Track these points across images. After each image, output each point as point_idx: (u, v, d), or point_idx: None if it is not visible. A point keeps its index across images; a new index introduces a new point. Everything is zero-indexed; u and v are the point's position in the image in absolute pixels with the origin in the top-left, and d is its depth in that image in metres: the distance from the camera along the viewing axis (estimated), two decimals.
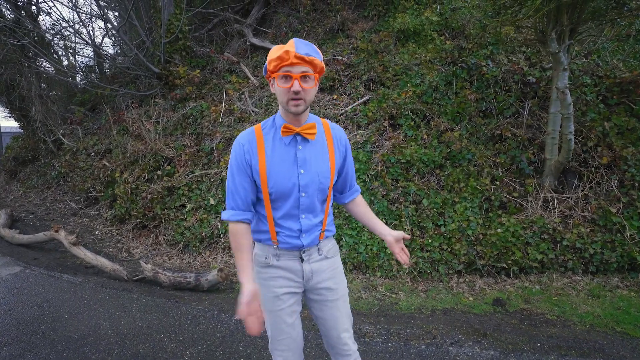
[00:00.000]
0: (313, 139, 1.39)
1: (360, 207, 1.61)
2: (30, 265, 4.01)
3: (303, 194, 1.39)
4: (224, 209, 1.45)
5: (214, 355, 2.32)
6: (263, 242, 1.45)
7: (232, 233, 1.39)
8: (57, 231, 4.48)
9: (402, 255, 1.55)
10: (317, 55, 1.29)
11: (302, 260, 1.45)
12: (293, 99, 1.29)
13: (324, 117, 5.48)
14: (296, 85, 1.26)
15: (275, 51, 1.28)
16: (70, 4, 7.04)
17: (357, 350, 1.55)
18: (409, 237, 1.57)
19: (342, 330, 1.50)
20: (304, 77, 1.28)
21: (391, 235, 1.53)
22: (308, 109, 1.39)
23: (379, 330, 2.63)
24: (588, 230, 3.67)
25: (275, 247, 1.43)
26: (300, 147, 1.38)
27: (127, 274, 3.85)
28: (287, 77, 1.27)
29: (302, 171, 1.37)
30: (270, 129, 1.41)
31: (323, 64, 1.32)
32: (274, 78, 1.31)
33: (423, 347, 2.39)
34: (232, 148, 1.40)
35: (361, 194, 1.64)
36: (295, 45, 1.26)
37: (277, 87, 1.30)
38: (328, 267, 1.50)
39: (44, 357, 2.32)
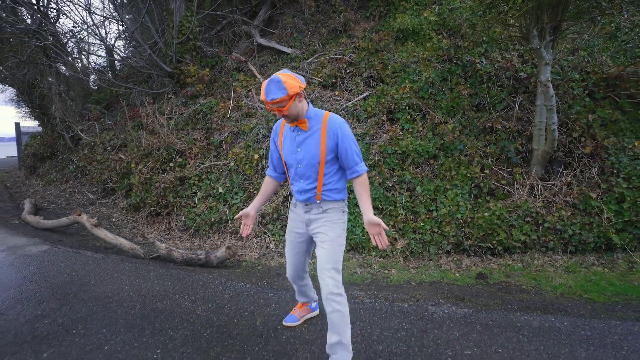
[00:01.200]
0: (305, 130, 1.98)
1: (357, 187, 1.99)
2: (56, 245, 4.42)
3: (299, 166, 2.02)
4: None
5: (222, 311, 2.66)
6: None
7: (265, 179, 2.26)
8: (79, 215, 4.88)
9: (377, 241, 1.89)
10: (281, 94, 1.80)
11: (305, 211, 2.08)
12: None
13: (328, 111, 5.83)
14: (277, 114, 1.91)
15: (261, 94, 1.88)
16: (85, 7, 7.44)
17: (335, 294, 1.89)
18: (386, 227, 1.87)
19: (322, 266, 1.95)
20: (278, 109, 1.86)
21: (367, 218, 1.90)
22: (304, 111, 1.97)
23: (368, 295, 2.95)
24: (569, 213, 3.94)
25: (294, 199, 2.18)
26: (299, 134, 2.01)
27: (144, 253, 4.22)
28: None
29: (298, 150, 2.00)
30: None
31: (293, 91, 1.82)
32: None
33: (405, 306, 2.70)
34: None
35: (360, 176, 1.99)
36: (265, 92, 1.83)
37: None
38: (323, 218, 2.03)
39: (77, 310, 2.69)
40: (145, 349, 2.18)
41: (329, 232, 1.99)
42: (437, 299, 2.85)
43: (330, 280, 1.90)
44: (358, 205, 4.50)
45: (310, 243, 2.17)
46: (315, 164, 1.97)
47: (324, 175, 1.99)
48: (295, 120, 1.95)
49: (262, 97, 1.84)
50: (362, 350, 2.14)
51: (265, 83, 1.82)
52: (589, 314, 2.53)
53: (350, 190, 4.14)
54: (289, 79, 1.82)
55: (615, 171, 4.05)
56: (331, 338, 1.92)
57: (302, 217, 2.10)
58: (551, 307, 2.66)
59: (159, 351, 2.16)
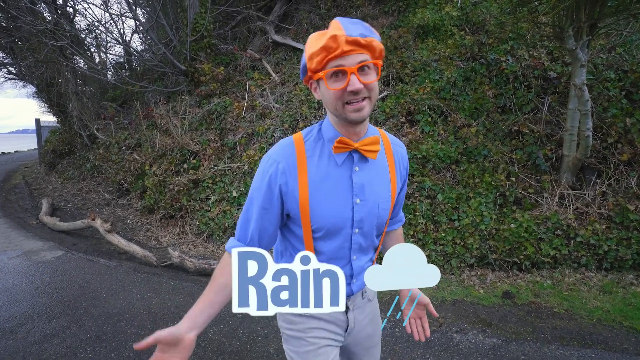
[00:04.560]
0: (375, 158, 1.02)
1: (395, 240, 1.31)
2: (70, 250, 4.40)
3: (357, 231, 1.06)
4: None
5: (234, 334, 2.55)
6: None
7: (224, 262, 1.03)
8: (93, 219, 4.86)
9: (415, 329, 1.24)
10: (375, 35, 0.92)
11: (348, 309, 1.16)
12: (352, 103, 0.92)
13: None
14: (354, 83, 0.88)
15: (317, 40, 0.90)
16: (102, 5, 7.41)
17: None
18: (435, 313, 1.22)
19: None
20: (362, 68, 0.89)
21: (413, 291, 1.21)
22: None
23: (388, 317, 2.79)
24: (604, 227, 3.67)
25: None
26: (357, 169, 1.03)
27: (157, 260, 4.16)
28: (340, 74, 0.89)
29: (357, 201, 1.03)
30: (316, 142, 1.04)
31: (382, 46, 0.94)
32: (318, 79, 0.95)
33: None
34: (261, 165, 1.03)
35: (402, 225, 1.35)
36: (344, 27, 0.88)
37: (327, 90, 0.92)
38: (370, 311, 1.24)
39: (87, 329, 2.62)
40: None
41: (376, 331, 1.27)
42: (462, 324, 2.67)
43: None
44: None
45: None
46: (384, 222, 1.11)
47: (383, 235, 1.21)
48: (356, 130, 1.00)
49: (338, 31, 0.87)
50: None
51: (333, 21, 0.91)
52: (634, 349, 2.31)
53: None
54: None
55: None
56: None
57: (339, 320, 1.16)
58: (589, 339, 2.45)
59: None
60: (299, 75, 1.07)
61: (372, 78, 0.92)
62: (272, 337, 2.51)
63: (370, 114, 0.97)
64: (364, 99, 0.93)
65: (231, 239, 1.09)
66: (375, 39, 0.91)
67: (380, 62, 0.95)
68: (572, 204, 3.97)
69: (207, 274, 3.85)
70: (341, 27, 0.88)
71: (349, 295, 1.15)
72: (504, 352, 2.30)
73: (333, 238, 1.05)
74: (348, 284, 1.13)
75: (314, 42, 0.91)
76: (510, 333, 2.54)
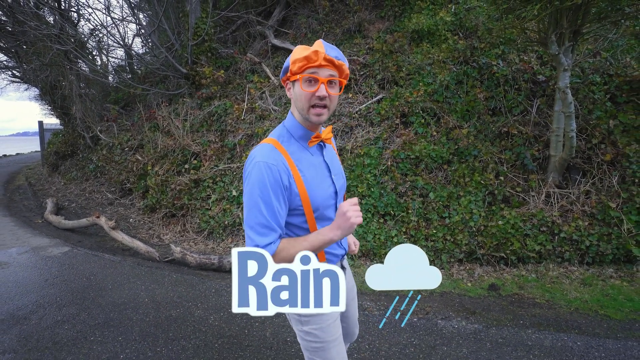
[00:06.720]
0: (331, 143, 1.39)
1: None
2: (76, 246, 4.58)
3: (338, 197, 1.35)
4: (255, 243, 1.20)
5: (233, 321, 2.72)
6: None
7: (283, 251, 1.16)
8: (98, 217, 5.03)
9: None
10: (345, 61, 1.21)
11: (344, 267, 1.44)
12: (315, 106, 1.18)
13: (339, 115, 5.86)
14: (322, 90, 1.15)
15: (301, 51, 1.16)
16: (105, 9, 7.59)
17: None
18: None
19: (357, 321, 1.62)
20: (330, 82, 1.17)
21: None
22: None
23: (378, 306, 2.96)
24: (586, 223, 3.84)
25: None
26: (324, 153, 1.33)
27: (159, 256, 4.33)
28: (313, 81, 1.15)
29: (333, 177, 1.32)
30: (289, 141, 1.25)
31: (349, 71, 1.24)
32: (294, 81, 1.20)
33: (415, 319, 2.70)
34: (257, 171, 1.15)
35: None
36: (325, 47, 1.16)
37: (300, 91, 1.17)
38: (349, 268, 1.59)
39: (95, 316, 2.79)
40: (158, 359, 2.26)
41: (355, 284, 1.61)
42: (447, 312, 2.84)
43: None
44: (369, 212, 4.50)
45: None
46: (345, 188, 1.44)
47: None
48: (317, 127, 1.27)
49: (319, 48, 1.15)
50: None
51: (317, 42, 1.19)
52: (604, 333, 2.48)
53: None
54: None
55: (636, 180, 3.93)
56: None
57: None
58: (564, 324, 2.62)
59: None
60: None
61: (336, 91, 1.20)
62: (268, 323, 2.68)
63: (326, 120, 1.29)
64: (325, 106, 1.19)
65: (263, 244, 1.14)
66: (345, 63, 1.20)
67: (344, 82, 1.23)
68: (558, 202, 4.15)
69: (207, 268, 4.03)
70: (322, 47, 1.16)
71: (342, 255, 1.40)
72: (484, 335, 2.46)
73: (326, 211, 1.27)
74: (340, 244, 1.38)
75: (299, 52, 1.17)
76: (492, 320, 2.71)
